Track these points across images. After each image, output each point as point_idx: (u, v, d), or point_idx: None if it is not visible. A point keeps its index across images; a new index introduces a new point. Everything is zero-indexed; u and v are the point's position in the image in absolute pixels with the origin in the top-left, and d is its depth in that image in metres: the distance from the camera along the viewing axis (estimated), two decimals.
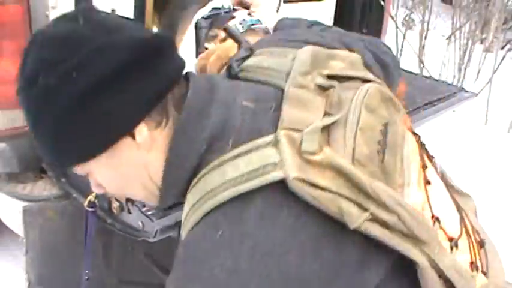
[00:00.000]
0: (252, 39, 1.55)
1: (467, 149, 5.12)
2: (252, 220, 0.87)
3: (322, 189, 0.86)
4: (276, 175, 0.87)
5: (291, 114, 0.94)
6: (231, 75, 1.14)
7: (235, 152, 0.92)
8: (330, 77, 1.01)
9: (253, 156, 0.90)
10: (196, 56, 1.73)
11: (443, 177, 1.20)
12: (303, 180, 0.86)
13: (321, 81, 0.99)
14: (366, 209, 0.87)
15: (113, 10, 2.21)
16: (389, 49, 1.42)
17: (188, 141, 0.97)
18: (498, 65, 5.81)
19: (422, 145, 1.12)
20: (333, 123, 0.93)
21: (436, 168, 1.15)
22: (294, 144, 0.90)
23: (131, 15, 2.16)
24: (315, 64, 1.02)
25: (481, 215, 3.94)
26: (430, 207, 1.00)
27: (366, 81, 1.04)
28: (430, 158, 1.15)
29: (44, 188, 2.15)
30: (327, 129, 0.93)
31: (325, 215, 0.87)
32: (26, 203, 2.10)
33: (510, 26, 8.17)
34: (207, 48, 1.73)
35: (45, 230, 2.12)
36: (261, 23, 1.59)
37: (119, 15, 1.11)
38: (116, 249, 2.17)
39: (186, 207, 0.97)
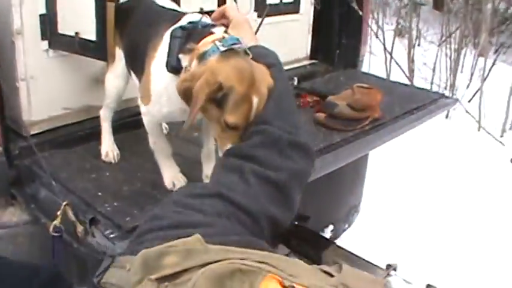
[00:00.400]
0: (234, 62, 1.51)
1: (461, 155, 5.09)
2: None
3: None
4: None
5: None
6: None
7: None
8: (161, 278, 0.95)
9: None
10: (167, 66, 1.71)
11: None
12: None
13: None
14: None
15: (76, 33, 2.21)
16: (301, 148, 1.41)
17: None
18: (488, 72, 5.78)
19: None
20: None
21: None
22: None
23: (94, 37, 2.15)
24: (146, 269, 0.97)
25: (476, 219, 3.92)
26: None
27: (204, 265, 0.96)
28: None
29: (13, 214, 2.14)
30: None
31: None
32: None
33: (503, 30, 8.18)
34: (178, 59, 1.69)
35: (16, 257, 2.10)
36: (241, 43, 1.56)
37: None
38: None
39: None
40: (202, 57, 1.58)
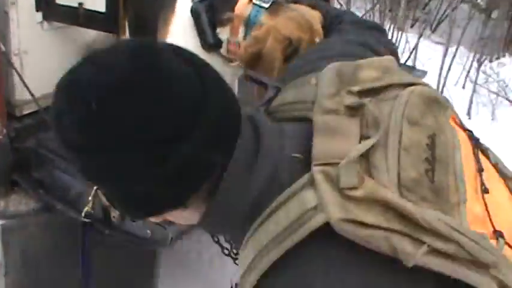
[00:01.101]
0: (286, 14, 1.49)
1: None
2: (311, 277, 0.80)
3: (371, 226, 0.77)
4: (317, 220, 0.78)
5: (322, 147, 0.84)
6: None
7: (277, 201, 0.83)
8: (362, 92, 0.90)
9: (291, 204, 0.81)
10: (203, 45, 1.61)
11: (500, 170, 1.05)
12: (349, 220, 0.77)
13: (351, 100, 0.88)
14: (422, 242, 0.78)
15: (80, 4, 2.04)
16: (379, 29, 1.43)
17: (234, 199, 0.87)
18: (414, 47, 5.97)
19: (476, 142, 1.00)
20: (371, 147, 0.83)
21: (491, 163, 1.02)
22: (331, 180, 0.80)
23: (103, 8, 1.98)
24: (342, 82, 0.91)
25: None
26: (491, 221, 0.88)
27: (405, 85, 0.92)
28: (485, 152, 1.02)
29: (19, 202, 1.96)
30: (366, 154, 0.83)
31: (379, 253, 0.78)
32: (2, 221, 1.91)
33: (416, 4, 8.47)
34: (215, 35, 1.60)
35: (27, 248, 1.94)
36: None
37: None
38: None
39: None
40: (248, 20, 1.54)
